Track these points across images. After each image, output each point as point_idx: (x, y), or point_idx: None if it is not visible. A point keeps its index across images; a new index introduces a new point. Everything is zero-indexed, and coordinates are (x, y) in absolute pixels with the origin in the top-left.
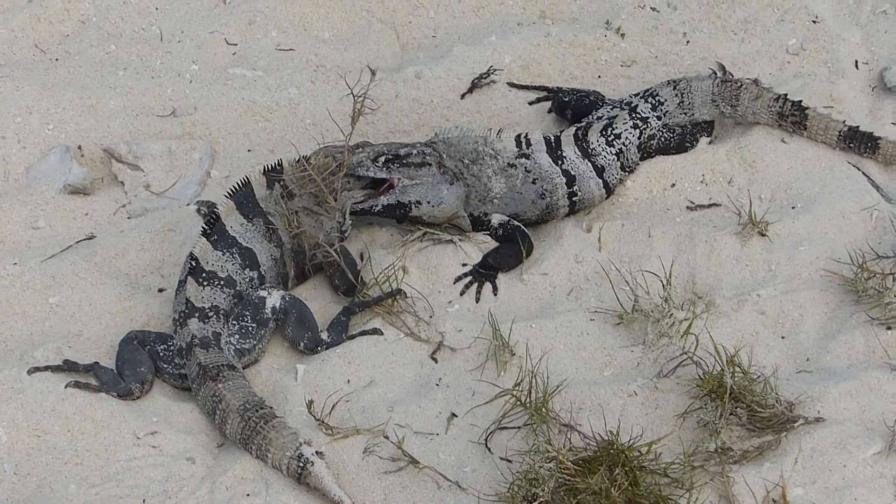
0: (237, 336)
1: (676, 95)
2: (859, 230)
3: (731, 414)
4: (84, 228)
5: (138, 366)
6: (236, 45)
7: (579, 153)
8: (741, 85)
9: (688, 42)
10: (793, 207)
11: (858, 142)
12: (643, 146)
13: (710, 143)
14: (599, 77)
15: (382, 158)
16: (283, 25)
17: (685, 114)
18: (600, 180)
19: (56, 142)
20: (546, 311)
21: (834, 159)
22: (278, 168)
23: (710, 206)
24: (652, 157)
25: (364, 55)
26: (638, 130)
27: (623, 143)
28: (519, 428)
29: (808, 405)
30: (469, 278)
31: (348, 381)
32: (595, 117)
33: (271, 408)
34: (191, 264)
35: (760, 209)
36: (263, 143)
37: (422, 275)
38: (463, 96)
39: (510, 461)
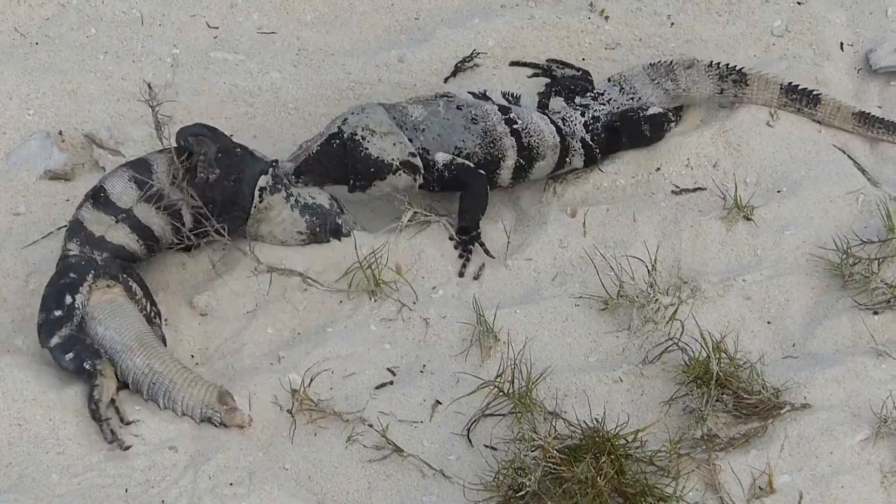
0: None
1: (615, 84)
2: (845, 214)
3: (717, 400)
4: (65, 214)
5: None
6: (217, 28)
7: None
8: (672, 61)
9: (672, 24)
10: (778, 191)
11: (800, 96)
12: (589, 126)
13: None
14: (583, 60)
15: None
16: (265, 8)
17: (632, 98)
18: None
19: (36, 127)
20: (531, 297)
21: (820, 142)
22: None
23: (695, 190)
24: (612, 143)
25: (346, 38)
26: (579, 111)
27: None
28: (504, 415)
29: (795, 391)
30: (462, 259)
31: (332, 370)
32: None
33: None
34: None
35: (746, 193)
36: (245, 128)
37: (406, 259)
38: (446, 80)
39: (495, 449)
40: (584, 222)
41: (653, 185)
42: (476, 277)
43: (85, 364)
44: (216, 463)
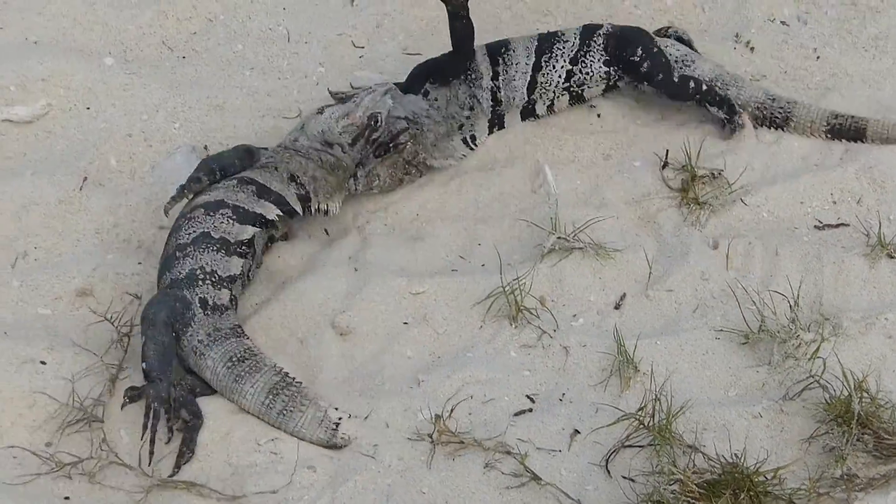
0: None
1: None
2: None
3: (857, 440)
4: None
5: None
6: (363, 48)
7: None
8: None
9: (818, 58)
10: None
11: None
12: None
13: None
14: None
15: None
16: (411, 29)
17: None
18: None
19: (182, 141)
20: (671, 328)
21: None
22: None
23: (838, 226)
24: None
25: None
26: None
27: None
28: (643, 447)
29: None
30: None
31: (471, 395)
32: None
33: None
34: None
35: (889, 231)
36: None
37: (547, 286)
38: None
39: (634, 481)
40: (727, 255)
41: (796, 219)
42: (617, 307)
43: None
44: (354, 484)
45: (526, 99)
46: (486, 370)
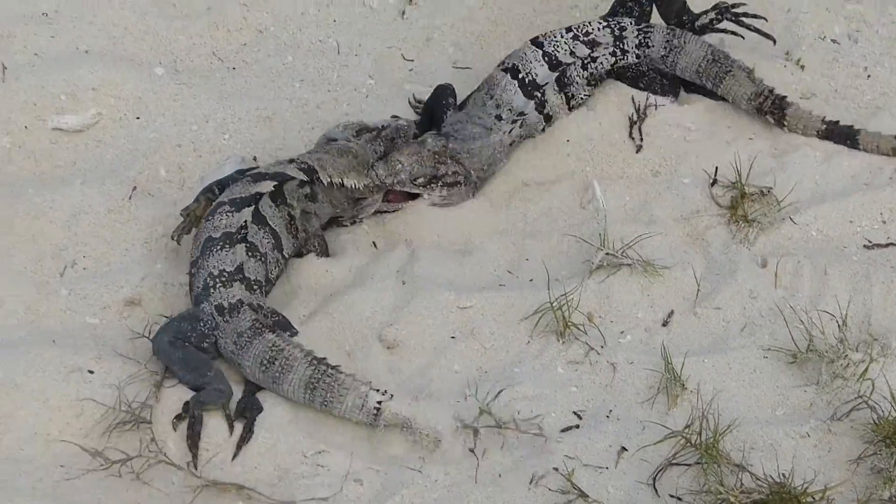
0: None
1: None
2: None
3: None
4: None
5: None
6: (413, 61)
7: None
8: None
9: (868, 76)
10: None
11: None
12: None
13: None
14: None
15: (420, 179)
16: (461, 43)
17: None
18: None
19: (231, 151)
20: (718, 346)
21: None
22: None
23: (887, 245)
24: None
25: None
26: None
27: None
28: (690, 466)
29: None
30: None
31: (518, 411)
32: None
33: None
34: None
35: None
36: None
37: (595, 303)
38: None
39: (681, 500)
40: (776, 273)
41: (845, 238)
42: (665, 324)
43: None
44: (401, 499)
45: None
46: (533, 386)
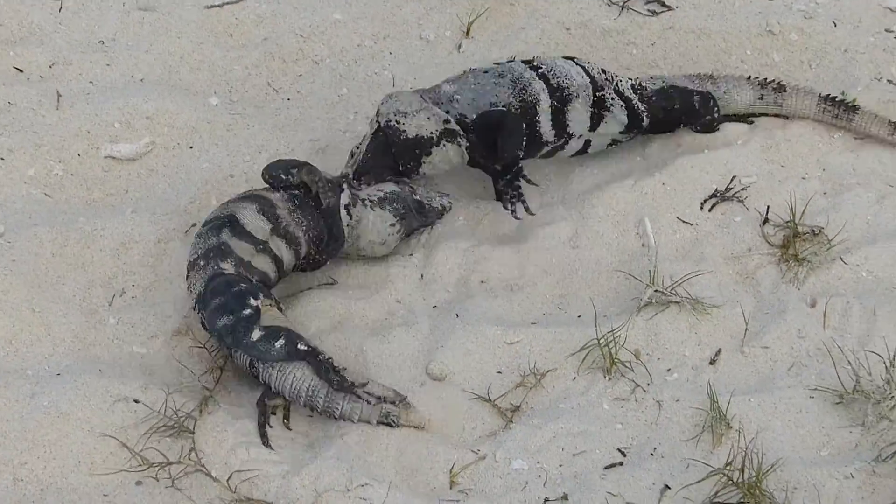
0: None
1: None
2: None
3: None
4: (318, 274)
5: None
6: None
7: None
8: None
9: None
10: None
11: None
12: (637, 89)
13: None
14: None
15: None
16: None
17: None
18: None
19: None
20: (765, 386)
21: None
22: None
23: None
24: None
25: None
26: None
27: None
28: None
29: None
30: (507, 195)
31: (562, 447)
32: None
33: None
34: None
35: None
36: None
37: (642, 340)
38: None
39: None
40: (825, 313)
41: (895, 279)
42: (712, 362)
43: (299, 345)
44: None
45: None
46: (578, 422)
